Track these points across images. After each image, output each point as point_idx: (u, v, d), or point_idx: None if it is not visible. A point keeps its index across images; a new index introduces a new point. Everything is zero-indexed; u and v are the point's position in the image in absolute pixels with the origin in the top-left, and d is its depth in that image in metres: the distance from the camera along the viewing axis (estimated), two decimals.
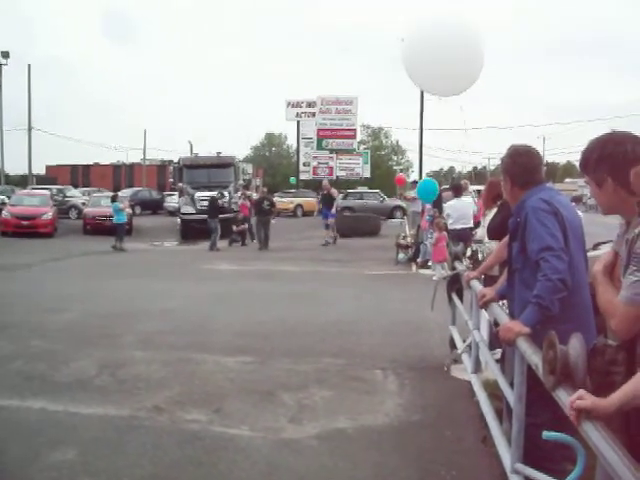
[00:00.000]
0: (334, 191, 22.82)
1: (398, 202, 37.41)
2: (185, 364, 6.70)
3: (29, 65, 43.79)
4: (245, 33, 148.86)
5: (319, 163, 34.26)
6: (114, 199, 23.36)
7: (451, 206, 12.20)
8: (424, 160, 34.30)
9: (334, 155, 33.51)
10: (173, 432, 4.83)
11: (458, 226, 11.69)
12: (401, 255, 16.30)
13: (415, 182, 19.18)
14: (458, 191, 12.36)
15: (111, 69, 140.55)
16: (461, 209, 11.93)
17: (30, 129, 44.13)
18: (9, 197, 30.93)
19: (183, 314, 9.56)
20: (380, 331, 8.27)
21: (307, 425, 4.95)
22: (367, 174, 37.20)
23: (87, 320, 9.09)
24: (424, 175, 31.87)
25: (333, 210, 21.90)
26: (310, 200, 40.41)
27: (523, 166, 3.69)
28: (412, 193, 18.23)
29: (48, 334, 8.09)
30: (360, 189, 40.41)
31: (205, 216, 22.62)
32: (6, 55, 41.83)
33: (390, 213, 33.45)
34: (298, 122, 38.18)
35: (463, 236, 10.82)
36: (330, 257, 18.35)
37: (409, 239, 16.88)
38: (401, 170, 42.51)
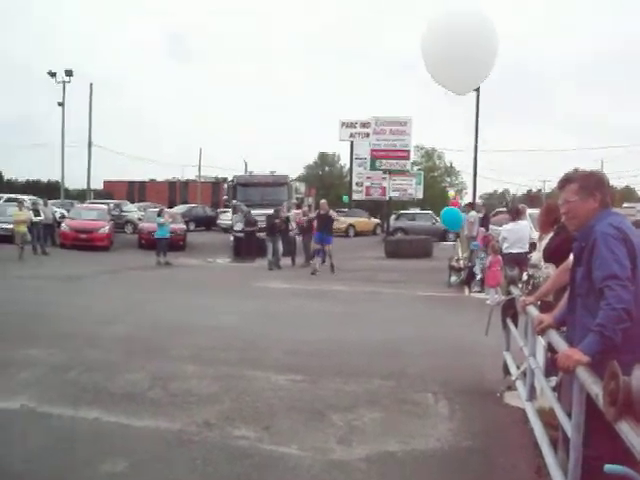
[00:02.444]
0: (333, 213, 21.30)
1: None
2: (236, 380, 6.72)
3: (91, 84, 45.11)
4: (300, 54, 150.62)
5: (372, 183, 34.18)
6: (159, 214, 23.82)
7: (508, 230, 12.00)
8: (477, 182, 34.00)
9: (387, 175, 33.41)
10: (223, 448, 4.84)
11: (514, 250, 11.48)
12: (454, 278, 16.12)
13: (470, 204, 18.99)
14: (516, 215, 12.16)
15: (170, 87, 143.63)
16: (518, 233, 11.73)
17: (90, 145, 45.35)
18: (68, 210, 31.78)
19: (235, 330, 9.61)
20: (431, 354, 8.17)
21: (357, 447, 4.90)
22: (420, 195, 36.98)
23: (140, 332, 9.24)
24: (478, 198, 31.55)
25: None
26: (362, 220, 40.38)
27: (607, 186, 3.59)
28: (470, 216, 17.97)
29: (102, 345, 8.25)
30: (412, 210, 40.24)
31: (259, 234, 22.82)
32: (70, 73, 43.24)
33: (442, 235, 33.15)
34: (352, 142, 38.30)
35: (519, 260, 10.64)
36: (382, 278, 18.27)
37: (462, 262, 16.69)
38: (455, 192, 42.24)
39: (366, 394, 6.27)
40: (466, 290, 15.27)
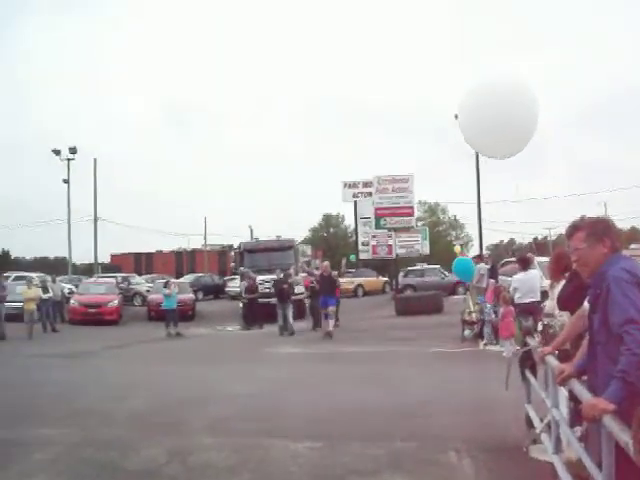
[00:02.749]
0: (335, 273, 21.21)
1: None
2: (254, 450, 6.60)
3: (95, 159, 45.84)
4: (300, 117, 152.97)
5: (378, 242, 34.23)
6: (165, 285, 23.89)
7: (518, 280, 11.91)
8: (483, 233, 34.07)
9: (393, 233, 33.52)
10: None
11: (527, 300, 11.38)
12: (467, 332, 15.99)
13: (479, 257, 18.98)
14: (525, 264, 12.10)
15: (171, 158, 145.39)
16: (528, 282, 11.65)
17: (96, 220, 45.81)
18: (77, 286, 31.89)
19: (249, 399, 9.48)
20: (451, 411, 8.03)
21: None
22: (427, 250, 37.03)
23: (154, 407, 9.13)
24: (484, 249, 31.53)
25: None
26: (371, 280, 40.28)
27: (615, 230, 3.61)
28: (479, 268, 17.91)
29: (117, 421, 8.13)
30: (420, 266, 40.14)
31: (267, 299, 22.77)
32: (74, 151, 44.01)
33: (452, 289, 32.96)
34: (355, 202, 38.55)
35: (532, 310, 10.55)
36: (394, 336, 18.14)
37: (475, 315, 16.57)
38: (461, 245, 42.04)
39: (388, 457, 6.13)
40: (480, 344, 15.11)
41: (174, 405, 9.18)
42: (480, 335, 15.47)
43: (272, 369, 12.93)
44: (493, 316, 14.48)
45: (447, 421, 7.50)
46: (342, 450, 6.47)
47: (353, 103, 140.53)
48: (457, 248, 35.08)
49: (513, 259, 21.36)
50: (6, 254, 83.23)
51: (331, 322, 19.18)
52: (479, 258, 18.67)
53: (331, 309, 19.20)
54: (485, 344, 14.82)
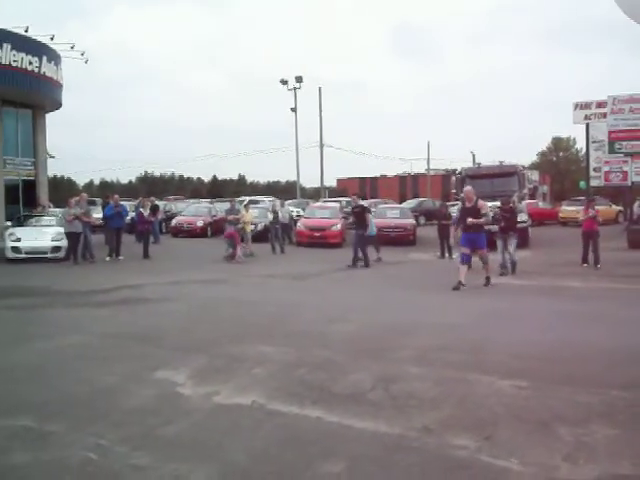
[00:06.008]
0: (481, 203, 14.50)
1: None
2: (458, 384, 6.54)
3: (319, 88, 47.41)
4: (531, 37, 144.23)
5: (611, 168, 31.68)
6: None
7: None
8: None
9: (629, 158, 30.77)
10: (440, 457, 4.70)
11: None
12: None
13: None
14: None
15: (394, 82, 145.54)
16: None
17: (322, 146, 47.57)
18: (304, 209, 33.59)
19: (459, 330, 9.40)
20: None
21: (584, 466, 4.47)
22: None
23: (366, 331, 9.39)
24: None
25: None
26: (602, 208, 37.64)
27: None
28: None
29: (330, 344, 8.47)
30: None
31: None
32: (299, 80, 45.82)
33: None
34: (587, 125, 35.90)
35: None
36: (624, 272, 16.92)
37: None
38: None
39: (600, 406, 5.73)
40: None
41: (383, 331, 9.38)
42: None
43: (486, 299, 12.71)
44: None
45: None
46: (549, 393, 6.18)
47: (590, 18, 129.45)
48: None
49: None
50: (242, 178, 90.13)
51: (462, 268, 14.37)
52: None
53: (480, 252, 14.83)
54: None
